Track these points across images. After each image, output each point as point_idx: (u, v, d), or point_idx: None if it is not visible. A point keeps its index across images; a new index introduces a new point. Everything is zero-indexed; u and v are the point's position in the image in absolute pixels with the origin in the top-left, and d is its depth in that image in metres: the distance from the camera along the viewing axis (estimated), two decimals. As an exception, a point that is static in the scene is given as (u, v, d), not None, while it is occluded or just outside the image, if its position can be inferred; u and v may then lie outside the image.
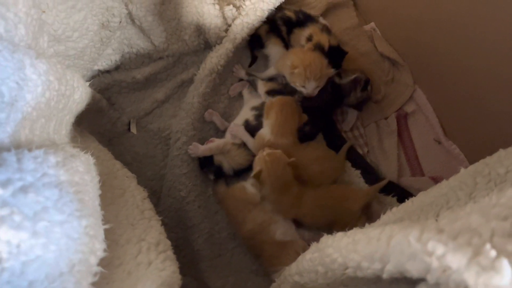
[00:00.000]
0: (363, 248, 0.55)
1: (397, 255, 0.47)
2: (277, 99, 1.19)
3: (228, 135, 1.24)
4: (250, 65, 1.38)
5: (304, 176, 1.16)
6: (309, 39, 1.27)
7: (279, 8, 1.31)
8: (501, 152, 0.70)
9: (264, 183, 1.10)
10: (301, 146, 1.21)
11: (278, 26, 1.33)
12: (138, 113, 1.32)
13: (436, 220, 0.51)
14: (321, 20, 1.33)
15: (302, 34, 1.30)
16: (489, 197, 0.54)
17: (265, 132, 1.18)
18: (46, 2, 0.91)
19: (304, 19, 1.31)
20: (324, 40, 1.25)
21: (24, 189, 0.42)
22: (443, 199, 0.69)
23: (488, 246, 0.38)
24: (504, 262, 0.36)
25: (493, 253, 0.37)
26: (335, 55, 1.27)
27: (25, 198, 0.42)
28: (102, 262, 0.55)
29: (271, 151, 1.11)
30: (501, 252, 0.37)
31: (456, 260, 0.38)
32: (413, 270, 0.44)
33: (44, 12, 0.92)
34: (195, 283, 1.10)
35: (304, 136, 1.25)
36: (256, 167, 1.10)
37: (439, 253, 0.40)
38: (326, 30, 1.30)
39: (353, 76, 1.29)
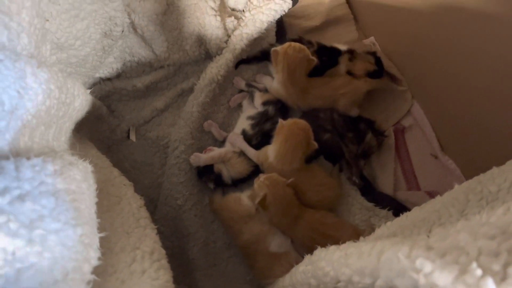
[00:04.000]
0: (354, 262, 0.55)
1: (387, 271, 0.47)
2: (288, 123, 1.14)
3: (228, 143, 1.25)
4: (249, 61, 1.36)
5: (301, 201, 1.15)
6: (350, 73, 1.30)
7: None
8: (494, 170, 0.70)
9: (270, 207, 1.08)
10: (301, 171, 1.17)
11: None
12: (137, 121, 1.33)
13: (428, 236, 0.52)
14: (341, 47, 1.34)
15: (338, 71, 1.32)
16: (479, 215, 0.55)
17: (270, 153, 1.16)
18: (50, 11, 0.93)
19: (331, 58, 1.32)
20: (365, 66, 1.30)
21: (21, 198, 0.43)
22: (435, 215, 0.70)
23: (474, 265, 0.39)
24: (489, 281, 0.37)
25: (478, 272, 0.38)
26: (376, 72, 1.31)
27: (22, 206, 0.42)
28: (96, 270, 0.55)
29: (267, 176, 1.10)
30: (486, 271, 0.38)
31: (442, 278, 0.39)
32: (402, 286, 0.44)
33: (47, 21, 0.93)
34: (189, 292, 1.10)
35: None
36: (260, 193, 1.08)
37: (427, 271, 0.41)
38: (354, 55, 1.32)
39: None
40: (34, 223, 0.43)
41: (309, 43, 1.31)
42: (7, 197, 0.42)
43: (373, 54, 1.33)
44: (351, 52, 1.32)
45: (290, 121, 1.15)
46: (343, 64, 1.31)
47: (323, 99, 1.28)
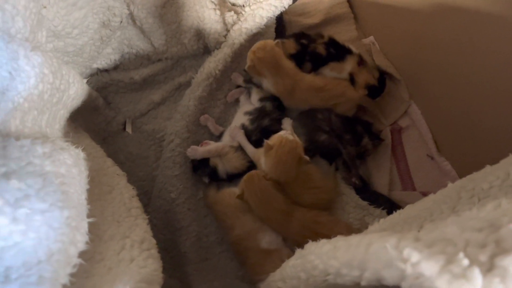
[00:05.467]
0: (342, 254, 0.55)
1: (374, 262, 0.47)
2: (275, 148, 1.09)
3: (227, 137, 1.24)
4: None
5: (296, 202, 1.14)
6: (351, 78, 1.28)
7: (312, 40, 1.30)
8: (487, 168, 0.70)
9: (248, 201, 1.09)
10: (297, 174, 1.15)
11: (302, 61, 1.30)
12: (133, 113, 1.33)
13: (419, 231, 0.51)
14: (354, 49, 1.32)
15: (343, 68, 1.29)
16: (470, 211, 0.55)
17: (263, 165, 1.15)
18: (48, -3, 0.93)
19: (339, 52, 1.30)
20: (368, 78, 1.27)
21: (6, 175, 0.42)
22: (427, 212, 0.70)
23: (461, 254, 0.38)
24: (476, 271, 0.37)
25: (465, 261, 0.38)
26: (376, 89, 1.29)
27: (7, 184, 0.42)
28: (84, 256, 0.55)
29: (249, 172, 1.11)
30: (473, 262, 0.38)
31: (429, 267, 0.39)
32: (389, 277, 0.44)
33: (45, 7, 0.93)
34: (180, 285, 1.09)
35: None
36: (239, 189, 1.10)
37: (414, 260, 0.40)
38: (363, 62, 1.30)
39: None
40: (19, 201, 0.42)
41: (319, 36, 1.31)
42: (-8, 174, 0.41)
43: (382, 71, 1.32)
44: (362, 58, 1.31)
45: (276, 142, 1.10)
46: (350, 64, 1.29)
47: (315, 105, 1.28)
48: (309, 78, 1.24)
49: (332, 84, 1.26)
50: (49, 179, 0.48)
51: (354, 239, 0.56)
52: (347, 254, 0.53)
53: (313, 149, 1.25)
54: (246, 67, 1.21)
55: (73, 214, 0.50)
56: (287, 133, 1.13)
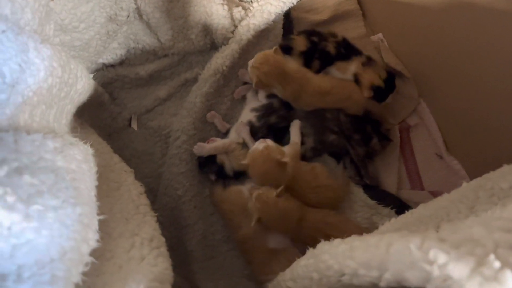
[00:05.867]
0: (360, 255, 0.54)
1: (396, 263, 0.46)
2: (250, 162, 1.10)
3: (233, 134, 1.23)
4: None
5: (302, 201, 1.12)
6: (356, 80, 1.24)
7: (324, 38, 1.28)
8: (505, 168, 0.69)
9: (268, 224, 1.07)
10: (302, 172, 1.14)
11: (311, 59, 1.28)
12: (139, 109, 1.31)
13: (437, 231, 0.50)
14: (364, 51, 1.30)
15: (347, 68, 1.26)
16: (491, 211, 0.53)
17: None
18: (55, -10, 0.91)
19: (347, 52, 1.27)
20: (374, 78, 1.23)
21: (19, 170, 0.41)
22: (443, 211, 0.68)
23: (492, 256, 0.37)
24: (508, 273, 0.35)
25: (497, 264, 0.36)
26: (382, 91, 1.24)
27: (20, 179, 0.41)
28: (94, 254, 0.53)
29: (257, 196, 1.06)
30: (505, 264, 0.36)
31: (458, 270, 0.37)
32: (413, 279, 0.42)
33: (52, 0, 0.91)
34: (186, 283, 1.08)
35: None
36: (254, 216, 1.06)
37: (441, 262, 0.39)
38: (369, 62, 1.26)
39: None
40: (32, 198, 0.41)
41: (332, 35, 1.29)
42: (4, 168, 0.40)
43: (390, 72, 1.27)
44: (369, 59, 1.27)
45: (249, 158, 1.10)
46: (355, 64, 1.25)
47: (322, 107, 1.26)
48: (316, 82, 1.22)
49: (339, 87, 1.24)
50: (61, 175, 0.47)
51: (372, 239, 0.54)
52: (366, 254, 0.52)
53: (321, 149, 1.23)
54: (253, 85, 1.20)
55: (86, 211, 0.49)
56: (259, 144, 1.11)
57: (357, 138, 1.23)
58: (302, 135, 1.22)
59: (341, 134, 1.23)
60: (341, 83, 1.25)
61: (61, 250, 0.43)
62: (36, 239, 0.41)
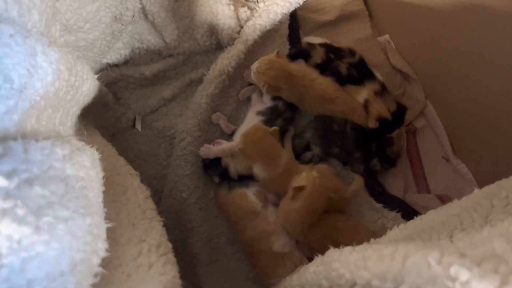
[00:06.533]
0: (374, 265, 0.53)
1: (413, 276, 0.45)
2: (243, 140, 1.12)
3: (238, 136, 1.21)
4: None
5: None
6: (365, 105, 1.20)
7: (340, 56, 1.25)
8: (520, 175, 0.68)
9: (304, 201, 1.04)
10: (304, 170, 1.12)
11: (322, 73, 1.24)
12: (143, 110, 1.30)
13: (451, 241, 0.49)
14: (378, 76, 1.26)
15: (358, 92, 1.22)
16: (508, 221, 0.52)
17: (259, 172, 1.14)
18: (61, -10, 0.90)
19: (360, 76, 1.24)
20: (383, 111, 1.18)
21: (29, 182, 0.40)
22: (456, 219, 0.67)
23: (517, 274, 0.36)
24: (535, 293, 0.34)
25: (522, 282, 0.35)
26: (389, 124, 1.20)
27: (30, 191, 0.39)
28: (102, 262, 0.52)
29: (319, 168, 1.06)
30: (530, 283, 0.35)
31: (482, 288, 0.36)
32: (431, 293, 0.41)
33: (58, 0, 0.90)
34: (191, 287, 1.07)
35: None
36: (301, 182, 1.03)
37: (463, 280, 0.38)
38: (382, 92, 1.22)
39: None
40: (42, 209, 0.40)
41: (350, 53, 1.26)
42: (15, 180, 0.39)
43: (401, 106, 1.23)
44: (383, 88, 1.23)
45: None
46: (367, 91, 1.21)
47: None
48: (321, 85, 1.20)
49: (344, 99, 1.20)
50: (71, 184, 0.46)
51: (385, 249, 0.53)
52: (380, 265, 0.51)
53: (327, 158, 1.24)
54: (264, 91, 1.19)
55: (95, 221, 0.48)
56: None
57: (357, 156, 1.22)
58: (309, 143, 1.22)
59: (343, 150, 1.22)
60: (348, 96, 1.22)
61: (71, 262, 0.42)
62: (47, 252, 0.39)
